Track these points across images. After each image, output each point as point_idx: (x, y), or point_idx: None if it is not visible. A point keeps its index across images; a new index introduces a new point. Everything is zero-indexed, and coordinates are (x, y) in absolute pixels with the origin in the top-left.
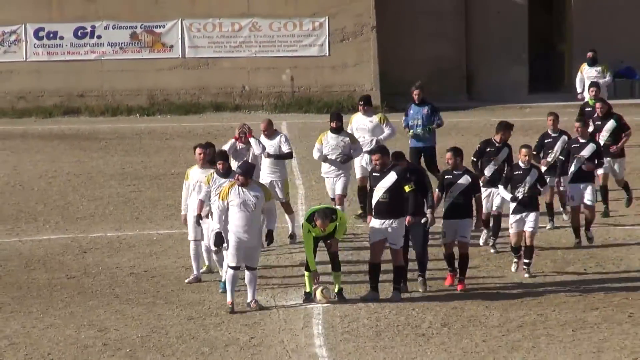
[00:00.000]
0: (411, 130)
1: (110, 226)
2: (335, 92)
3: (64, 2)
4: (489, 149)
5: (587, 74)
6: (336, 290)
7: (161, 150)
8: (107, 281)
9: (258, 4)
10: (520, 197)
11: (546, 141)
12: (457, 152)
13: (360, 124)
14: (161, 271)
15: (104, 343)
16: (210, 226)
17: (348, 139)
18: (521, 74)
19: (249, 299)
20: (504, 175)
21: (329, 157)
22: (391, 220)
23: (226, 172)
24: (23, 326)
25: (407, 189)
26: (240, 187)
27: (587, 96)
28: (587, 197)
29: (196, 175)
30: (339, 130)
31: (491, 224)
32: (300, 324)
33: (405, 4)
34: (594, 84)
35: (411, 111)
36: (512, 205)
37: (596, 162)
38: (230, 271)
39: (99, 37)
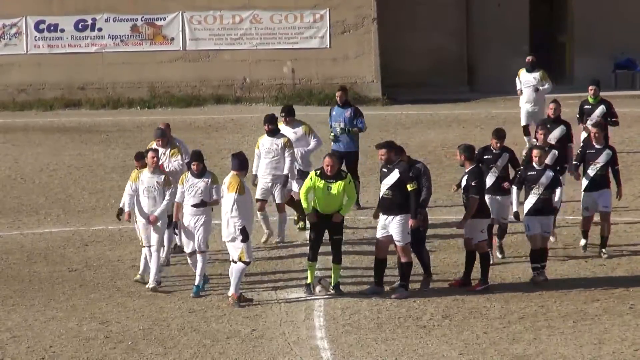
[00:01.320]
0: (332, 134)
1: (111, 219)
2: (336, 84)
3: None
4: (487, 156)
5: (524, 79)
6: (333, 283)
7: None
8: (108, 274)
9: None
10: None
11: (548, 126)
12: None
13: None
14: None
15: (106, 336)
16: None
17: (281, 141)
18: (522, 65)
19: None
20: (517, 175)
21: (263, 159)
22: (393, 217)
23: (200, 173)
24: (25, 319)
25: (409, 187)
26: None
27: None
28: (603, 202)
29: (146, 179)
30: (273, 132)
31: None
32: (302, 316)
33: None
34: (594, 82)
35: (334, 113)
36: (528, 206)
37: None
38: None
39: (100, 29)
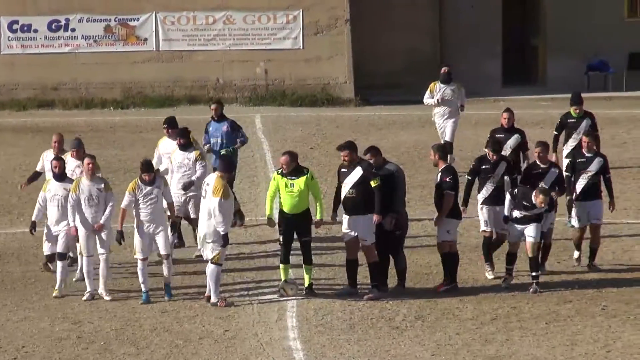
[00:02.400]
0: (212, 150)
1: None
2: (309, 85)
3: None
4: (484, 166)
5: (441, 92)
6: (306, 284)
7: (135, 143)
8: (81, 274)
9: None
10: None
11: (497, 136)
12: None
13: (166, 150)
14: (135, 264)
15: (78, 336)
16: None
17: (193, 155)
18: (495, 67)
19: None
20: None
21: (175, 173)
22: (359, 216)
23: (152, 181)
24: None
25: (373, 184)
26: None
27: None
28: (595, 214)
29: (86, 187)
30: (185, 147)
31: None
32: (275, 316)
33: None
34: (579, 101)
35: (210, 128)
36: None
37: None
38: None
39: (73, 30)
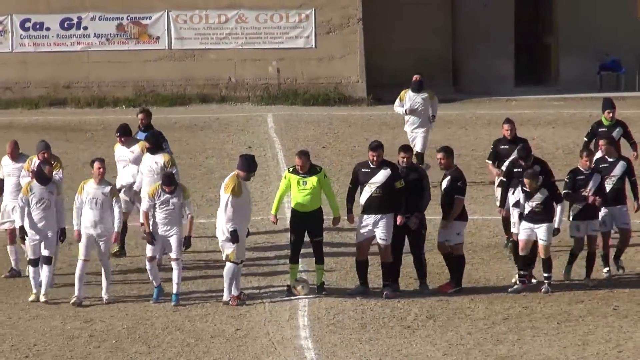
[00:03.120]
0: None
1: None
2: (321, 84)
3: None
4: (517, 170)
5: (411, 101)
6: (318, 283)
7: None
8: (93, 273)
9: None
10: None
11: (501, 147)
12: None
13: (121, 156)
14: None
15: (90, 334)
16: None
17: (162, 160)
18: (507, 67)
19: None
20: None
21: (145, 177)
22: (381, 215)
23: (172, 191)
24: (9, 317)
25: (398, 185)
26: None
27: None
28: (623, 219)
29: (92, 190)
30: (153, 150)
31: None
32: (286, 316)
33: None
34: (611, 105)
35: (137, 137)
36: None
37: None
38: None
39: (85, 28)
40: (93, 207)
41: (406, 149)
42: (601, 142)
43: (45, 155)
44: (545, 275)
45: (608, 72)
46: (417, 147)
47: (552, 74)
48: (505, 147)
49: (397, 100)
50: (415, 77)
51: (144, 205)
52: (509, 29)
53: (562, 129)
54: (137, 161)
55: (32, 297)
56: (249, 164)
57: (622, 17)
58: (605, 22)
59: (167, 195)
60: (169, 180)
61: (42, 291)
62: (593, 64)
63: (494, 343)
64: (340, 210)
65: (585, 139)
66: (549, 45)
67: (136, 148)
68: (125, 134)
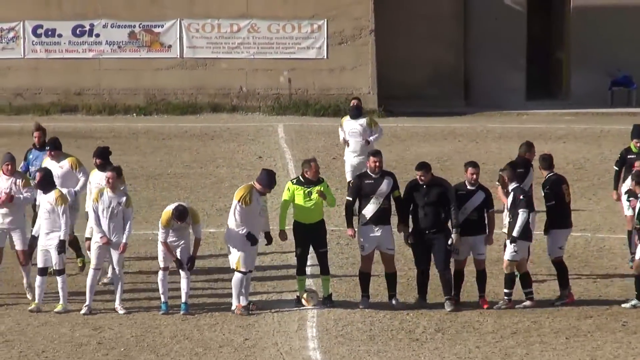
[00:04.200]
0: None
1: None
2: (332, 95)
3: (63, 0)
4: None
5: (348, 127)
6: (325, 295)
7: (158, 150)
8: (102, 280)
9: (257, 5)
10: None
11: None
12: (476, 166)
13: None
14: (156, 271)
15: (99, 342)
16: None
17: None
18: (519, 80)
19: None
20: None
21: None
22: (385, 226)
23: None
24: (18, 323)
25: (396, 194)
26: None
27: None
28: None
29: (107, 199)
30: (103, 167)
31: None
32: (295, 326)
33: (403, 7)
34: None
35: (30, 156)
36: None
37: None
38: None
39: (97, 35)
40: (108, 215)
41: (420, 167)
42: (637, 163)
43: (9, 167)
44: (506, 291)
45: (619, 87)
46: (348, 178)
47: (563, 88)
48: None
49: (339, 127)
50: (353, 103)
51: (161, 236)
52: (521, 42)
53: (572, 144)
54: (67, 178)
55: (32, 307)
56: (269, 179)
57: (634, 32)
58: (617, 38)
59: (179, 223)
60: (179, 216)
61: (61, 301)
62: (604, 79)
63: (502, 357)
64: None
65: (616, 168)
66: (560, 59)
67: (65, 163)
68: (56, 148)
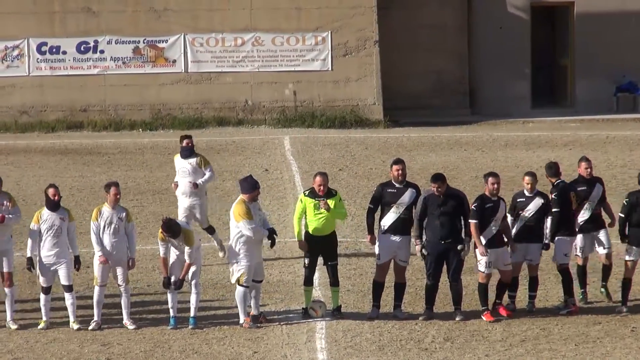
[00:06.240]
0: None
1: None
2: (338, 106)
3: (67, 17)
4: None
5: (179, 166)
6: (334, 306)
7: (164, 165)
8: (110, 295)
9: (261, 18)
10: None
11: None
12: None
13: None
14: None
15: (108, 358)
16: None
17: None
18: (524, 88)
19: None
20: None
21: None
22: (404, 237)
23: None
24: (26, 341)
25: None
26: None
27: None
28: None
29: (107, 215)
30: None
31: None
32: (304, 338)
33: (407, 18)
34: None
35: None
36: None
37: None
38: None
39: (102, 51)
40: (109, 231)
41: (436, 178)
42: None
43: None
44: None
45: (624, 93)
46: (203, 224)
47: (568, 96)
48: (583, 187)
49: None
50: (186, 142)
51: (160, 250)
52: (525, 50)
53: (578, 151)
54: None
55: (41, 325)
56: (248, 184)
57: (638, 38)
58: (621, 44)
59: (175, 240)
60: (166, 228)
61: (72, 319)
62: (609, 86)
63: None
64: (358, 231)
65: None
66: (565, 66)
67: None
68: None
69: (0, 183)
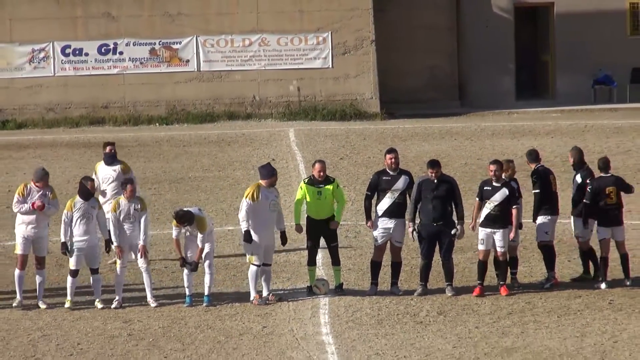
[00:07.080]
0: None
1: None
2: (338, 100)
3: (89, 22)
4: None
5: (102, 174)
6: (337, 284)
7: (179, 156)
8: (131, 277)
9: (266, 21)
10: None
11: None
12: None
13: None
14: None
15: (129, 333)
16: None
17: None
18: (508, 83)
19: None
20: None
21: None
22: (398, 220)
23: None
24: (54, 319)
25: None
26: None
27: None
28: None
29: (125, 207)
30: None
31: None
32: (308, 314)
33: (402, 19)
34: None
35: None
36: None
37: None
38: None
39: (121, 53)
40: (127, 220)
41: (433, 164)
42: None
43: (42, 184)
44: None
45: (601, 85)
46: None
47: (550, 89)
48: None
49: (94, 174)
50: (109, 149)
51: (173, 233)
52: (509, 48)
53: (559, 139)
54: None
55: (67, 304)
56: (267, 170)
57: (614, 35)
58: (598, 41)
59: (188, 227)
60: (178, 218)
61: (97, 298)
62: (587, 79)
63: (499, 336)
64: (357, 215)
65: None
66: (546, 62)
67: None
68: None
69: (47, 177)
